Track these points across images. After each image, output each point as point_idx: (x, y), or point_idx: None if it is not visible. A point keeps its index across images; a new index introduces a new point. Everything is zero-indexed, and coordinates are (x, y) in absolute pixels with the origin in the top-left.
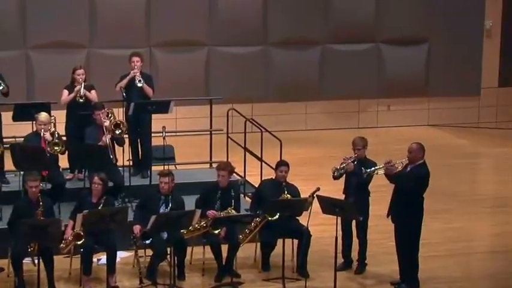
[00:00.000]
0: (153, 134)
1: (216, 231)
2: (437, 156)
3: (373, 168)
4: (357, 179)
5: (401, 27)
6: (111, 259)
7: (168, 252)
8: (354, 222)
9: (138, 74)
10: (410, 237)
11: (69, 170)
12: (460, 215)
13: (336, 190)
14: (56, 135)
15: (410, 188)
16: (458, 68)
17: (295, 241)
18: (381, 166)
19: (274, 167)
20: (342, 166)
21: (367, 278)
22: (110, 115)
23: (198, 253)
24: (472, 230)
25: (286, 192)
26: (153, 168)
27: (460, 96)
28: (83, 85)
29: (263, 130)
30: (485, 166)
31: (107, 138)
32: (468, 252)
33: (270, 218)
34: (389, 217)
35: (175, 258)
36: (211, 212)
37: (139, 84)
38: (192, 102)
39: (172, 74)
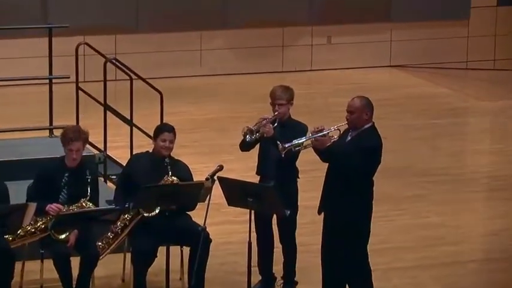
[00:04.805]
0: None
1: (62, 236)
2: (403, 115)
3: (295, 142)
4: (278, 150)
5: None
6: None
7: None
8: (275, 219)
9: None
10: (356, 240)
11: None
12: (439, 204)
13: (247, 169)
14: None
15: (352, 166)
16: None
17: (187, 249)
18: (307, 137)
19: (152, 134)
20: (257, 127)
21: None
22: None
23: (34, 271)
24: (458, 227)
25: (170, 173)
26: None
27: (438, 21)
28: None
29: (133, 77)
30: (477, 129)
31: None
32: (452, 262)
33: (146, 214)
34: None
35: None
36: (53, 206)
37: None
38: (19, 34)
39: None
